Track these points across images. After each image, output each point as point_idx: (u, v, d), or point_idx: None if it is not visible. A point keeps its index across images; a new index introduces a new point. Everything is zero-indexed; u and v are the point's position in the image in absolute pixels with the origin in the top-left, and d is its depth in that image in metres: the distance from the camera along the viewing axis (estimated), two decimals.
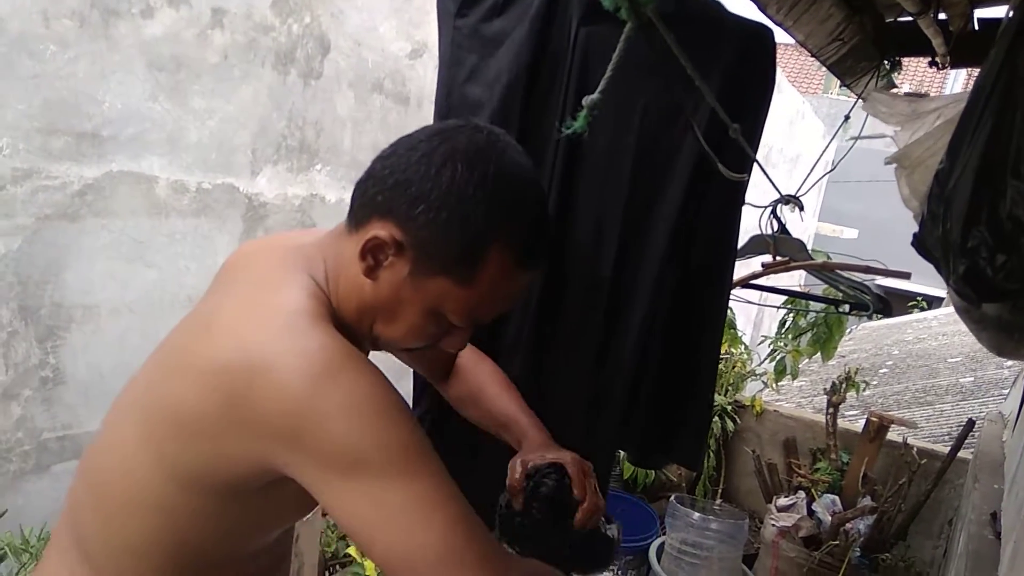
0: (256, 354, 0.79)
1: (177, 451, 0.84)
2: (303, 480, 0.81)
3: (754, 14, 1.71)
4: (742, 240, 1.86)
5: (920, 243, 1.23)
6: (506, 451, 1.22)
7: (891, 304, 2.43)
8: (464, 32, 1.57)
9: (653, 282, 1.52)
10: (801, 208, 2.13)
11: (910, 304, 9.02)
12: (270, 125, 2.54)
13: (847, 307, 2.59)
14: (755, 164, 1.43)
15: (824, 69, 2.75)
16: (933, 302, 11.08)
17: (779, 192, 2.12)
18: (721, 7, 1.43)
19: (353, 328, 0.93)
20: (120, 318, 2.20)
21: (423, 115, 3.10)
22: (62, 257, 2.03)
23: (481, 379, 1.30)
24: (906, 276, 2.31)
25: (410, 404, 1.73)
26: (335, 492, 0.80)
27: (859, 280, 2.57)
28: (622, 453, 3.40)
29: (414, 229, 0.85)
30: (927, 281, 6.83)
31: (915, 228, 1.34)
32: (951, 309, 10.07)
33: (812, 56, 2.56)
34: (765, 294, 3.15)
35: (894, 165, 1.64)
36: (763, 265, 2.45)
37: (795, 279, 8.21)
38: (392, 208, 0.86)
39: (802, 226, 6.58)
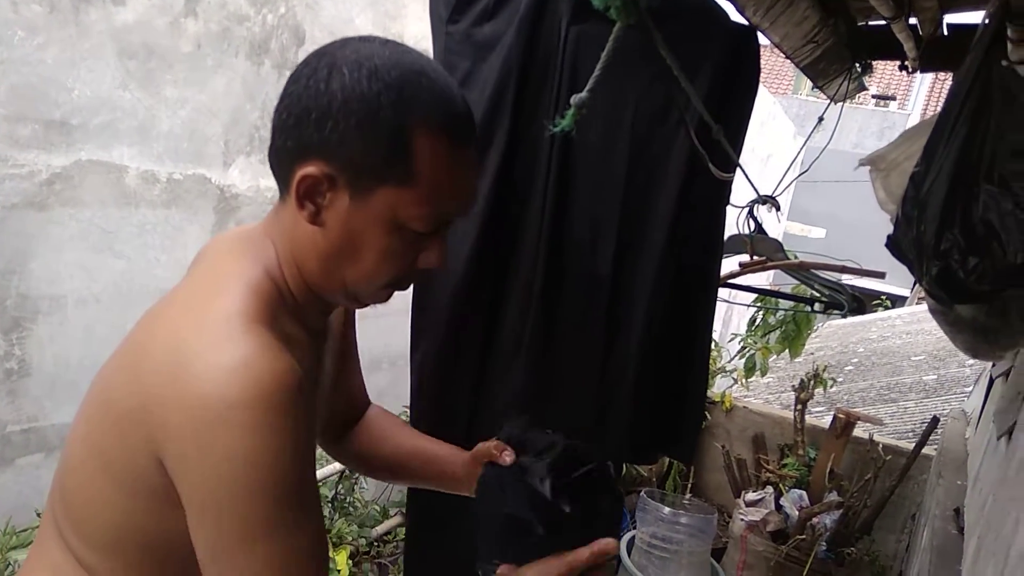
0: (179, 361, 0.76)
1: (112, 450, 0.83)
2: (176, 484, 0.79)
3: (731, 15, 1.73)
4: None
5: (895, 244, 1.25)
6: None
7: (865, 303, 2.47)
8: (456, 38, 1.57)
9: (653, 278, 1.53)
10: (778, 208, 2.15)
11: (875, 303, 9.17)
12: (243, 116, 2.50)
13: (819, 305, 2.63)
14: (738, 164, 1.45)
15: (794, 71, 2.78)
16: (897, 301, 11.29)
17: (757, 192, 2.14)
18: (712, 7, 1.44)
19: (325, 290, 0.90)
20: (87, 309, 2.16)
21: None
22: (29, 247, 1.98)
23: (385, 421, 1.27)
24: (880, 275, 2.35)
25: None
26: (191, 518, 0.78)
27: (834, 279, 2.61)
28: None
29: (333, 151, 0.81)
30: (891, 281, 6.98)
31: (883, 228, 1.36)
32: (914, 308, 10.27)
33: (787, 58, 2.58)
34: (735, 291, 3.19)
35: (868, 167, 1.66)
36: (740, 264, 2.48)
37: (764, 277, 8.32)
38: (305, 144, 0.82)
39: (775, 226, 6.66)
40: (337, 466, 2.44)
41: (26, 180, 1.93)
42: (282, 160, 0.85)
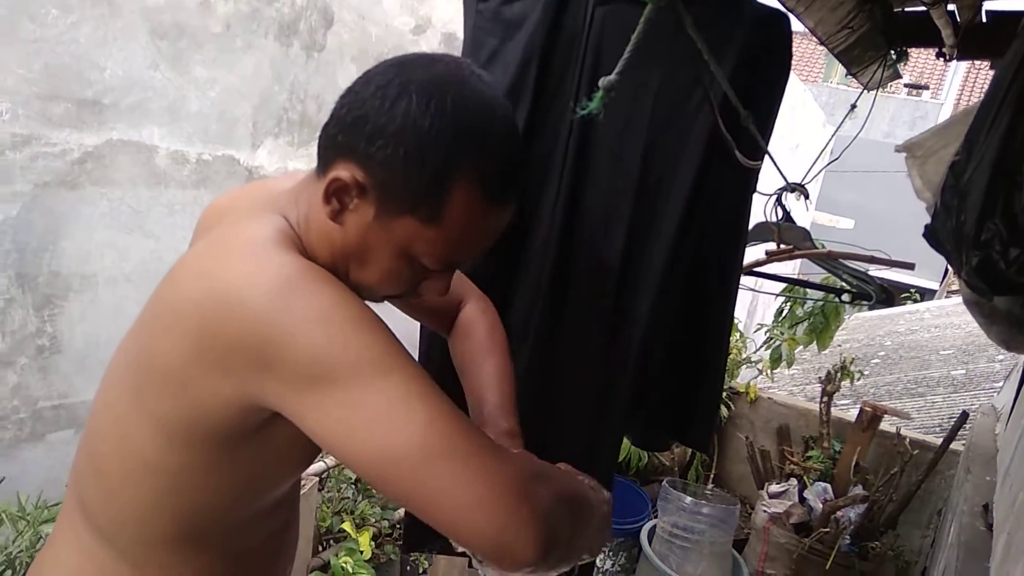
0: (217, 284, 0.77)
1: (163, 406, 0.82)
2: (281, 406, 0.77)
3: None
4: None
5: (932, 234, 1.23)
6: None
7: (894, 295, 2.43)
8: (486, 16, 1.57)
9: (662, 268, 1.51)
10: (807, 197, 2.12)
11: (903, 296, 9.06)
12: (271, 97, 2.51)
13: (848, 296, 2.59)
14: (767, 151, 1.42)
15: (825, 58, 2.74)
16: (926, 294, 11.14)
17: (785, 180, 2.11)
18: None
19: (333, 272, 0.89)
20: (117, 287, 2.18)
21: None
22: (60, 225, 2.01)
23: (472, 347, 1.22)
24: (910, 267, 2.31)
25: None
26: (311, 408, 0.75)
27: (862, 270, 2.57)
28: None
29: (374, 168, 0.81)
30: (920, 273, 6.86)
31: (911, 220, 1.33)
32: (943, 302, 10.13)
33: (821, 44, 2.54)
34: (761, 281, 3.15)
35: (904, 155, 1.62)
36: (767, 253, 2.45)
37: (790, 267, 8.23)
38: (352, 147, 0.82)
39: (803, 215, 6.59)
40: None
41: (58, 159, 1.95)
42: (328, 146, 0.86)
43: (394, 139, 0.79)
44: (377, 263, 0.87)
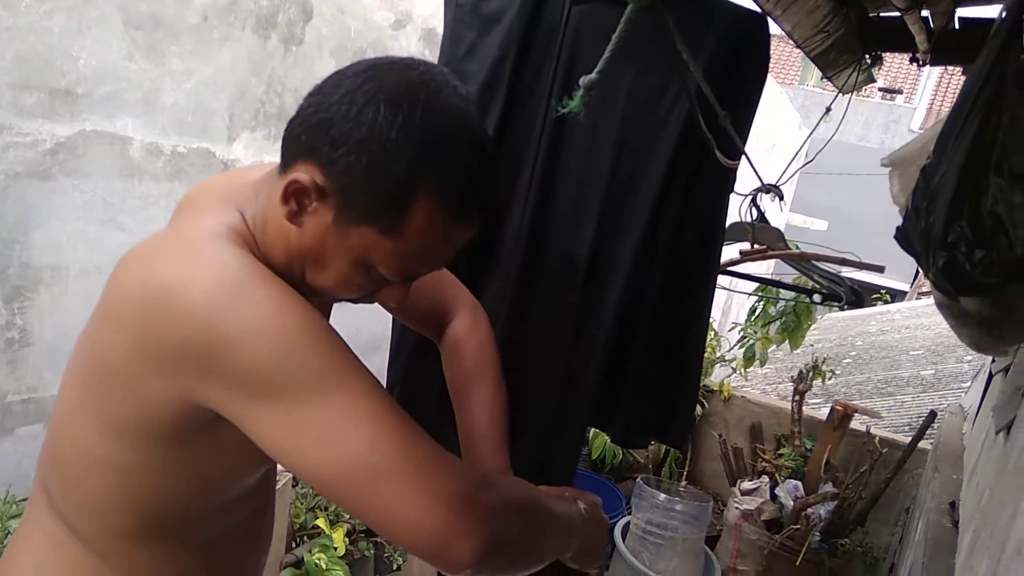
0: (155, 281, 0.75)
1: (111, 404, 0.82)
2: (222, 411, 0.76)
3: (744, 1, 1.72)
4: None
5: (903, 236, 1.25)
6: None
7: (863, 296, 2.47)
8: (465, 10, 1.58)
9: (630, 264, 1.53)
10: (781, 197, 2.15)
11: (874, 297, 9.18)
12: (248, 90, 2.49)
13: (819, 297, 2.63)
14: (743, 153, 1.44)
15: (801, 61, 2.77)
16: (897, 295, 11.31)
17: (761, 180, 2.13)
18: None
19: (284, 274, 0.87)
20: (89, 280, 2.16)
21: None
22: (32, 216, 1.98)
23: (461, 372, 1.19)
24: (879, 269, 2.35)
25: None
26: (256, 418, 0.75)
27: (833, 272, 2.61)
28: (591, 432, 3.43)
29: (335, 174, 0.79)
30: (891, 275, 6.96)
31: (884, 223, 1.35)
32: (914, 303, 10.28)
33: (797, 47, 2.57)
34: (735, 280, 3.18)
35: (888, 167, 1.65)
36: (741, 252, 2.48)
37: (764, 267, 8.30)
38: (315, 150, 0.79)
39: (778, 216, 6.66)
40: None
41: (30, 149, 1.92)
42: (290, 144, 0.84)
43: (358, 147, 0.77)
44: (333, 268, 0.85)
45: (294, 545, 2.57)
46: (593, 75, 1.16)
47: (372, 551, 2.76)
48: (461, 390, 1.19)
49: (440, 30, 3.19)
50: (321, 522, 2.53)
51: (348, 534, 2.62)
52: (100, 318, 0.83)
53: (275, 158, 2.51)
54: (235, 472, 0.93)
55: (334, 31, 2.74)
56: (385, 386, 1.76)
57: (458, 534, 0.74)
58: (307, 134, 0.81)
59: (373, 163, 0.77)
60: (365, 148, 0.77)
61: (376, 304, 1.02)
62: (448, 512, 0.74)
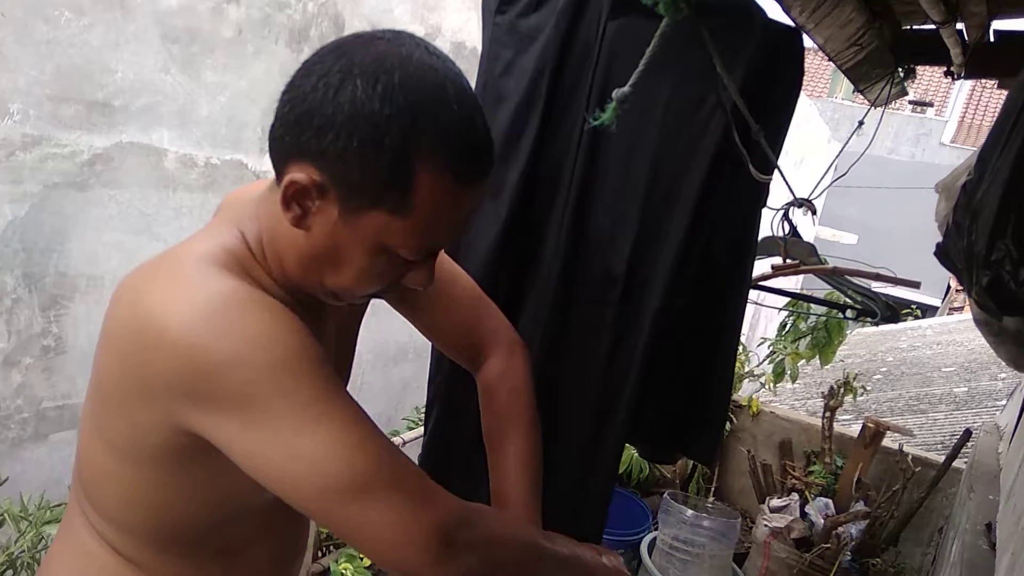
0: (141, 308, 0.75)
1: (107, 423, 0.82)
2: (211, 438, 0.76)
3: (777, 14, 1.71)
4: None
5: (944, 253, 1.23)
6: None
7: (899, 312, 2.43)
8: (503, 28, 1.58)
9: (667, 280, 1.52)
10: (814, 212, 2.12)
11: (905, 312, 9.05)
12: None
13: (852, 312, 2.59)
14: (777, 166, 1.42)
15: (831, 73, 2.75)
16: (927, 311, 11.13)
17: (793, 195, 2.11)
18: (752, 3, 1.42)
19: (303, 285, 0.86)
20: None
21: None
22: (68, 226, 2.01)
23: (494, 419, 1.16)
24: (915, 285, 2.31)
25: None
26: (242, 448, 0.75)
27: (866, 286, 2.57)
28: None
29: (329, 164, 0.75)
30: (922, 290, 6.86)
31: (913, 238, 1.33)
32: (945, 319, 10.12)
33: (829, 60, 2.55)
34: (763, 295, 3.15)
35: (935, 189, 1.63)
36: (773, 267, 2.45)
37: (793, 281, 8.22)
38: (302, 146, 0.76)
39: (808, 230, 6.60)
40: None
41: (68, 160, 1.96)
42: (277, 150, 0.80)
43: (345, 130, 0.74)
44: (351, 264, 0.82)
45: (320, 555, 2.57)
46: (626, 88, 1.16)
47: None
48: (491, 438, 1.17)
49: (470, 43, 3.21)
50: None
51: None
52: (100, 340, 0.83)
53: None
54: (240, 491, 0.90)
55: None
56: (426, 401, 1.76)
57: (430, 564, 0.77)
58: (290, 133, 0.77)
59: (364, 141, 0.74)
60: (352, 128, 0.74)
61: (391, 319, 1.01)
62: (424, 543, 0.76)
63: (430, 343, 1.36)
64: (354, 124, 0.73)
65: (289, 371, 0.74)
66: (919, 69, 2.91)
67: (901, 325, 9.51)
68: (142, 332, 0.75)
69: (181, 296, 0.75)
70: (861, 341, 8.73)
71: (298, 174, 0.77)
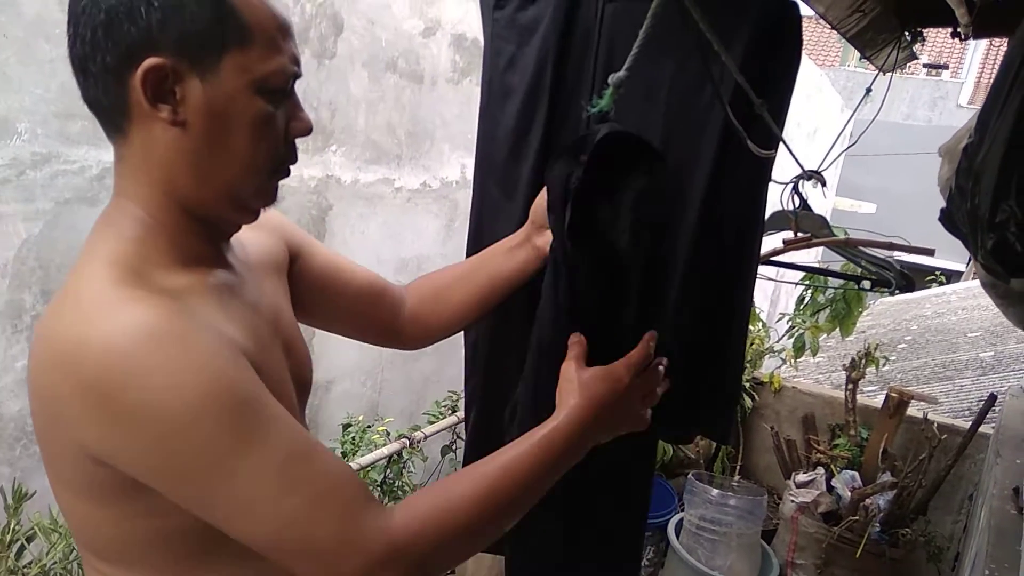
0: (55, 349, 0.74)
1: (54, 462, 0.82)
2: (136, 477, 0.76)
3: None
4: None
5: (948, 218, 1.22)
6: None
7: (914, 280, 2.40)
8: (502, 23, 1.58)
9: (685, 263, 1.51)
10: (824, 184, 2.10)
11: (928, 279, 8.94)
12: None
13: (867, 283, 2.57)
14: (781, 139, 1.41)
15: (842, 42, 2.71)
16: (952, 276, 10.99)
17: (801, 168, 2.09)
18: None
19: (208, 207, 0.85)
20: None
21: (437, 93, 3.08)
22: (81, 241, 2.03)
23: (426, 280, 1.32)
24: (930, 253, 2.28)
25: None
26: (172, 491, 0.76)
27: (881, 256, 2.54)
28: None
29: (160, 39, 0.74)
30: (946, 256, 6.78)
31: (935, 201, 1.31)
32: (970, 284, 9.98)
33: (832, 28, 2.52)
34: (782, 270, 3.13)
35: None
36: (784, 242, 2.43)
37: (811, 255, 8.14)
38: (127, 50, 0.75)
39: (822, 202, 6.53)
40: (385, 450, 2.47)
41: (77, 176, 1.98)
42: (106, 89, 0.78)
43: (145, 1, 0.74)
44: (238, 127, 0.80)
45: None
46: (622, 73, 1.15)
47: None
48: (441, 273, 1.31)
49: (470, 35, 3.20)
50: None
51: None
52: (27, 379, 0.82)
53: (313, 172, 2.55)
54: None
55: (365, 43, 2.77)
56: (464, 405, 1.76)
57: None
58: (107, 53, 0.76)
59: None
60: None
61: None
62: (375, 563, 0.77)
63: (448, 339, 1.39)
64: None
65: (209, 412, 0.72)
66: (931, 32, 2.86)
67: (925, 292, 9.40)
68: (55, 371, 0.73)
69: (89, 335, 0.72)
70: (885, 311, 8.65)
71: (138, 70, 0.75)
